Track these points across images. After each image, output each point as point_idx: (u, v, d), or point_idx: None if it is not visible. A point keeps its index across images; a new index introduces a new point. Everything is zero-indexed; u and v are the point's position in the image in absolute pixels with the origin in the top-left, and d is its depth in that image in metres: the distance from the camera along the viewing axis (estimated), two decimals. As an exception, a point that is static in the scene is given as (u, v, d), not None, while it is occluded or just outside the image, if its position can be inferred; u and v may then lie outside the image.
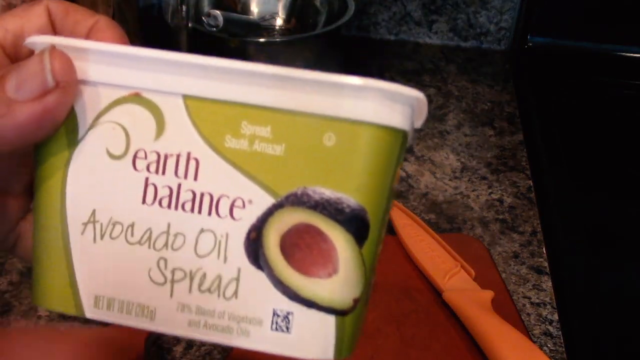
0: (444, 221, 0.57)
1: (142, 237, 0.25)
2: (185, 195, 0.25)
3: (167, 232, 0.25)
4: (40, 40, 0.25)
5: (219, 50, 0.67)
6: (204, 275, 0.25)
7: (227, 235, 0.24)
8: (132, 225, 0.25)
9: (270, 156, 0.24)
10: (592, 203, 0.62)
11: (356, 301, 0.25)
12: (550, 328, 0.47)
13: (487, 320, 0.43)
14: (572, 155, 0.67)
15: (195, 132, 0.24)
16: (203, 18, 0.66)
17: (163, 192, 0.25)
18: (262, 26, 0.77)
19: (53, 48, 0.24)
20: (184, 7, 0.61)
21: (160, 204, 0.25)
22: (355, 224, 0.24)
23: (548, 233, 0.56)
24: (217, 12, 0.65)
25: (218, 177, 0.24)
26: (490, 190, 0.61)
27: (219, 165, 0.24)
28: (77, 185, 0.25)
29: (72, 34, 0.27)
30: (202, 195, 0.24)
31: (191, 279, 0.25)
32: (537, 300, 0.49)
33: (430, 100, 0.76)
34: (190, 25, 0.63)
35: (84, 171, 0.25)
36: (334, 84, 0.23)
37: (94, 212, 0.25)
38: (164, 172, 0.25)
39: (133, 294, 0.25)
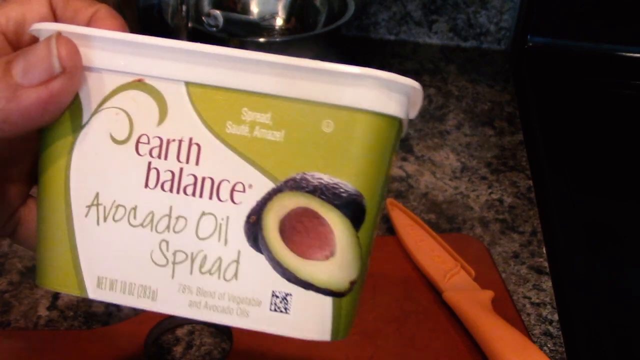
0: (444, 221, 0.57)
1: (144, 220, 0.25)
2: (187, 180, 0.25)
3: (169, 215, 0.25)
4: (45, 27, 0.25)
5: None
6: (205, 258, 0.25)
7: (227, 218, 0.25)
8: (134, 208, 0.25)
9: (270, 142, 0.24)
10: (592, 203, 0.62)
11: (352, 283, 0.25)
12: (550, 328, 0.47)
13: (487, 320, 0.43)
14: (572, 155, 0.67)
15: (197, 118, 0.25)
16: (203, 18, 0.66)
17: (165, 176, 0.25)
18: (262, 26, 0.77)
19: (59, 35, 0.24)
20: (184, 7, 0.61)
21: (162, 187, 0.25)
22: (352, 208, 0.25)
23: (548, 233, 0.56)
24: (217, 12, 0.65)
25: (219, 162, 0.25)
26: (490, 190, 0.61)
27: (220, 151, 0.25)
28: (81, 169, 0.26)
29: (73, 23, 0.27)
30: (203, 179, 0.25)
31: (192, 261, 0.25)
32: (537, 300, 0.49)
33: (430, 100, 0.76)
34: (190, 25, 0.63)
35: (88, 155, 0.26)
36: (333, 73, 0.24)
37: (97, 195, 0.26)
38: (166, 157, 0.25)
39: (135, 275, 0.26)
